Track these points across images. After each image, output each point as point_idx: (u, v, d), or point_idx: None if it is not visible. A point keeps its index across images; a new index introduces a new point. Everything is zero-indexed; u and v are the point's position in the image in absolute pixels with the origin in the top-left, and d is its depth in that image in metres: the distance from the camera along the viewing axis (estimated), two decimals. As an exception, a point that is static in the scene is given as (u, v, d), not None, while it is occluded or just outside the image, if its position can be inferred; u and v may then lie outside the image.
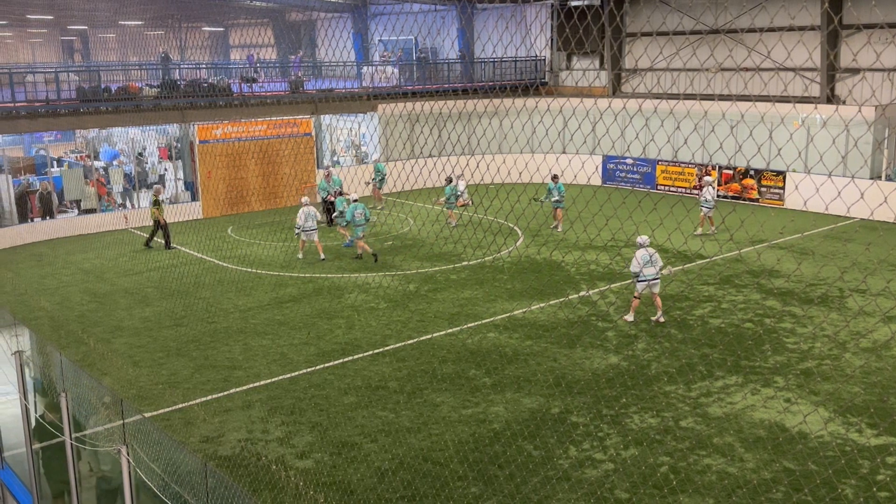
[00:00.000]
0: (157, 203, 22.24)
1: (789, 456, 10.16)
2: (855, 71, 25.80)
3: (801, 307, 16.01)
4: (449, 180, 23.84)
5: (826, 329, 14.78)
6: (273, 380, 12.94)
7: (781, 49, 25.92)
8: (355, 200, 20.28)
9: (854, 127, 24.31)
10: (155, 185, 24.15)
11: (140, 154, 31.10)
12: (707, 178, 22.53)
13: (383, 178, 26.99)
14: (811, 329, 14.75)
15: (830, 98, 26.16)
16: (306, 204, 20.58)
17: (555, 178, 22.92)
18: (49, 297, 17.95)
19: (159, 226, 22.18)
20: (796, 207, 24.93)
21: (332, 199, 23.63)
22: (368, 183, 27.02)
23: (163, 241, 22.34)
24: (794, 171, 25.48)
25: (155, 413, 11.74)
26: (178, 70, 30.95)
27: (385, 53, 37.40)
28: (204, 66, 33.75)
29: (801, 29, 26.36)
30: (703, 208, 21.93)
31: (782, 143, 24.83)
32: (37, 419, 9.25)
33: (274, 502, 9.30)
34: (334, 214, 21.77)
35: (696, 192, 28.05)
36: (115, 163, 29.18)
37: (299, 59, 36.44)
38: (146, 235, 22.89)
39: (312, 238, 20.41)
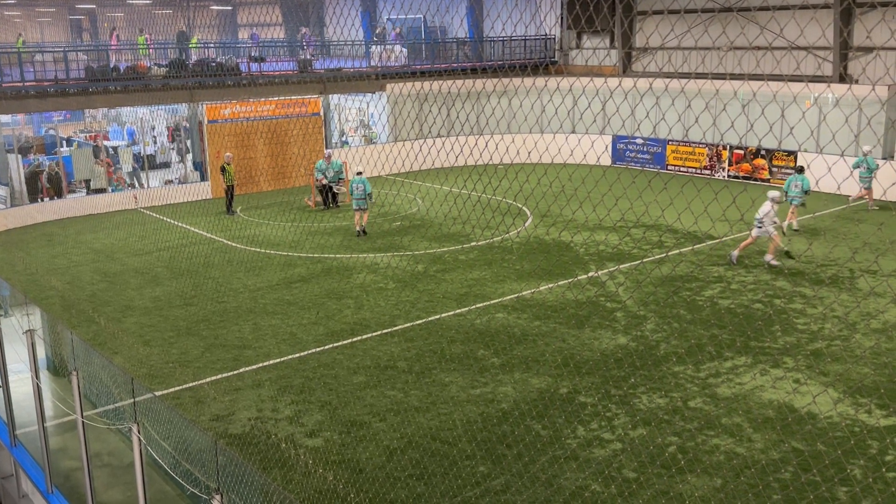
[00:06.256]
0: (224, 170, 23.65)
1: (798, 436, 10.16)
2: (868, 49, 25.51)
3: (812, 288, 15.95)
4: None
5: (836, 310, 14.72)
6: (283, 359, 13.00)
7: (794, 27, 25.62)
8: (359, 174, 20.65)
9: (867, 106, 24.05)
10: (226, 154, 24.55)
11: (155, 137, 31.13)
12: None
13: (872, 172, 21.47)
14: (821, 310, 14.69)
15: (843, 77, 25.89)
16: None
17: (801, 169, 19.63)
18: (60, 277, 18.04)
19: (231, 190, 23.64)
20: (807, 187, 24.74)
21: (325, 181, 23.84)
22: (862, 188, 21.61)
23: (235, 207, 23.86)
24: (805, 150, 25.28)
25: (166, 391, 11.83)
26: (186, 49, 30.86)
27: (377, 27, 36.98)
28: (212, 45, 33.64)
29: (814, 7, 26.04)
30: None
31: (794, 123, 24.62)
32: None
33: (283, 480, 9.37)
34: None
35: (706, 171, 27.92)
36: (125, 143, 29.22)
37: (309, 35, 36.22)
38: (156, 216, 22.96)
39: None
